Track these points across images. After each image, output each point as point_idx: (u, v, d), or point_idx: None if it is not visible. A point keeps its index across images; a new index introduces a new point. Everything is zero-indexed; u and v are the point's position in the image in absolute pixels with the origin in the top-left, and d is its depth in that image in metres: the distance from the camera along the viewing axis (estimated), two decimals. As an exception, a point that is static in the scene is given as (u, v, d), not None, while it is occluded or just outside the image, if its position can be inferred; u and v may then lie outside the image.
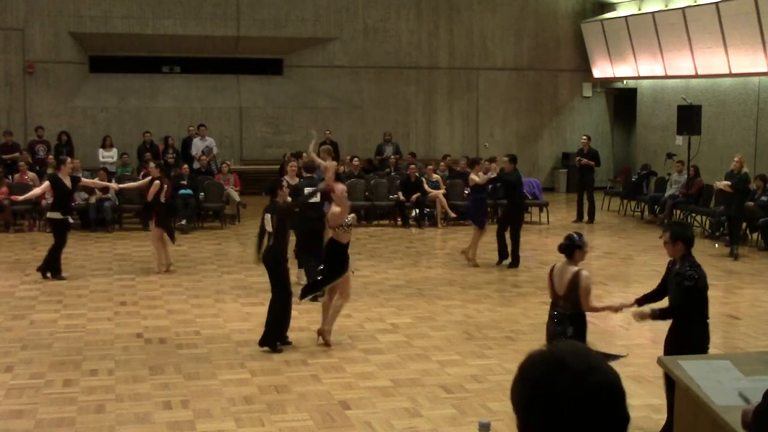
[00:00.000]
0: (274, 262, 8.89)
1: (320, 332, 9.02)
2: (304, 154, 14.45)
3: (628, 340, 9.53)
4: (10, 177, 17.05)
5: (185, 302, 10.90)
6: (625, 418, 1.77)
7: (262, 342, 8.84)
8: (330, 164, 13.80)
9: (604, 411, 1.73)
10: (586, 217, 18.04)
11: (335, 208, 9.07)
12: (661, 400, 7.13)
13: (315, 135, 14.16)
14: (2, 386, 7.67)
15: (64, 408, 7.15)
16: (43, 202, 16.06)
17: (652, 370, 6.93)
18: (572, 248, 6.87)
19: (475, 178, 13.61)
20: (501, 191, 14.81)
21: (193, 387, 7.70)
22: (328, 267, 8.94)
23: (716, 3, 17.74)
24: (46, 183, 12.43)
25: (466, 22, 22.35)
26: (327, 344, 8.95)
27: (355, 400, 7.41)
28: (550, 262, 12.84)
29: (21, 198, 13.21)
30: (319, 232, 10.80)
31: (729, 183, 14.56)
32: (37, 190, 12.83)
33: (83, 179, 13.59)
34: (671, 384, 5.99)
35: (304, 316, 10.23)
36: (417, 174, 17.82)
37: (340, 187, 9.38)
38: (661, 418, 6.83)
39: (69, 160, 12.91)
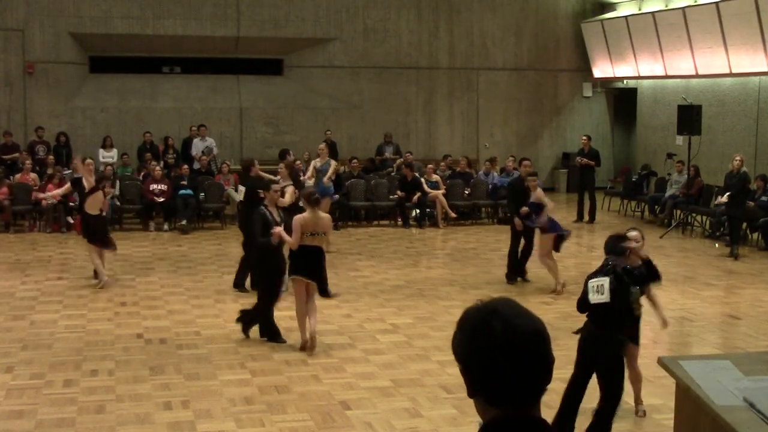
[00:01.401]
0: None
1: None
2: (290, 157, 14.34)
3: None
4: (10, 177, 17.06)
5: (186, 302, 10.90)
6: (550, 359, 1.99)
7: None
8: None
9: (533, 352, 1.97)
10: (586, 217, 18.05)
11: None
12: (661, 400, 7.13)
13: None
14: (2, 387, 7.68)
15: (64, 408, 7.15)
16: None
17: (652, 371, 6.93)
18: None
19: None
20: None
21: (193, 387, 7.71)
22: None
23: (716, 3, 17.74)
24: (68, 185, 12.51)
25: (466, 23, 22.35)
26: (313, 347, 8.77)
27: (355, 400, 7.42)
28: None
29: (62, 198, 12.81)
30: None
31: (728, 194, 14.52)
32: (58, 191, 12.76)
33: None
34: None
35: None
36: (416, 174, 17.84)
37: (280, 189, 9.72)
38: (662, 417, 6.84)
39: (89, 160, 12.93)
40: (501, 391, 1.96)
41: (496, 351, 1.94)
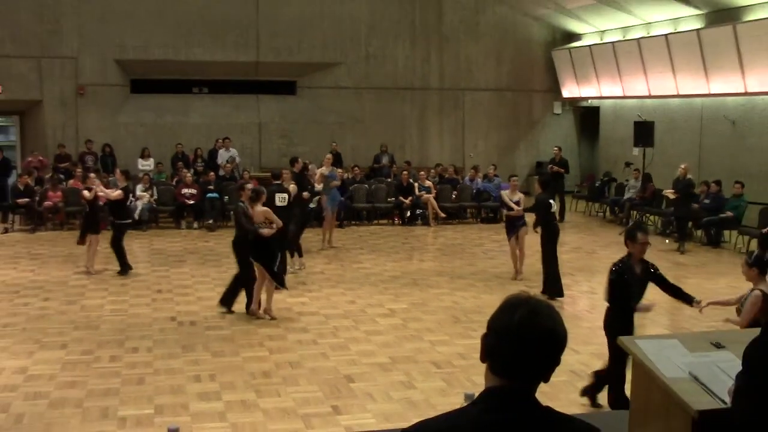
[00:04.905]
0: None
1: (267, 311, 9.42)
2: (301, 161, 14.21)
3: (592, 322, 9.55)
4: (64, 183, 17.09)
5: (212, 290, 10.91)
6: (551, 360, 1.93)
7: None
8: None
9: (536, 346, 1.90)
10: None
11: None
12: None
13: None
14: (58, 361, 7.70)
15: (110, 380, 7.17)
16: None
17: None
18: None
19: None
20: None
21: (219, 363, 7.73)
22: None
23: (666, 35, 17.80)
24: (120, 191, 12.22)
25: (454, 50, 22.35)
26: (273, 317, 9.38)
27: (358, 374, 7.43)
28: (530, 256, 12.79)
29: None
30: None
31: (673, 191, 14.70)
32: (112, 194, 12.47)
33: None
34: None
35: (314, 303, 10.26)
36: (411, 179, 17.86)
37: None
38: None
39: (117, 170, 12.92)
40: (501, 365, 1.95)
41: (509, 330, 1.92)
